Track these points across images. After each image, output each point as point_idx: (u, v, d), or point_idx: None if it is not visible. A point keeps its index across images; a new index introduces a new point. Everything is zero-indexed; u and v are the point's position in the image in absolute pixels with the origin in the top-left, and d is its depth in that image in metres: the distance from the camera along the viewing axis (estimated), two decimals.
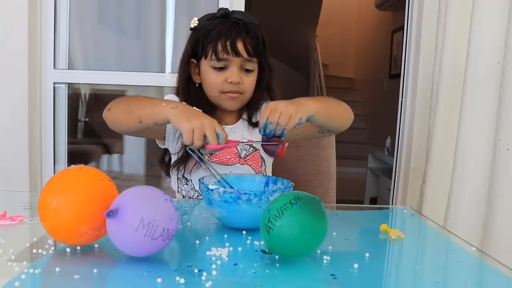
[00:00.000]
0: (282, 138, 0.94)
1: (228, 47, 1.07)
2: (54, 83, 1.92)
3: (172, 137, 1.16)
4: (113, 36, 2.19)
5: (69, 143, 2.00)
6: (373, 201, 3.92)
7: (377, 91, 5.16)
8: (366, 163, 4.20)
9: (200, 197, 1.14)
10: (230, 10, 1.12)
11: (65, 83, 1.97)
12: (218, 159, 1.13)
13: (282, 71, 5.14)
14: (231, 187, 0.93)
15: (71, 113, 2.07)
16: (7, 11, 1.75)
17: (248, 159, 1.15)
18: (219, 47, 1.08)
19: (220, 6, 1.86)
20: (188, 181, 1.17)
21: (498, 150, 1.49)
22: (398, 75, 2.16)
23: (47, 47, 1.88)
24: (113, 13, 2.15)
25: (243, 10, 1.88)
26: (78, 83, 2.14)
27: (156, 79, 2.00)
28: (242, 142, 0.91)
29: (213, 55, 1.09)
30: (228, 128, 1.17)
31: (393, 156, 2.13)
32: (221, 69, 1.10)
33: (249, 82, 1.12)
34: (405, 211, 1.06)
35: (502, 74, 1.49)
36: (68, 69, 1.99)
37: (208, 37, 1.09)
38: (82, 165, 0.72)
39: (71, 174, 0.69)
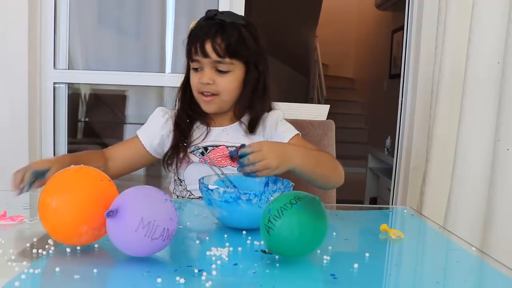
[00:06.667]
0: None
1: (198, 48, 1.08)
2: (54, 83, 1.92)
3: (156, 148, 1.18)
4: (113, 36, 2.19)
5: (69, 143, 2.00)
6: (373, 201, 3.92)
7: (377, 91, 5.16)
8: (366, 163, 4.21)
9: (192, 196, 1.15)
10: (220, 11, 1.11)
11: (65, 83, 1.97)
12: (209, 160, 1.13)
13: (282, 71, 5.13)
14: (234, 186, 0.92)
15: (71, 113, 2.07)
16: (7, 11, 1.75)
17: None
18: (193, 48, 1.09)
19: (221, 6, 1.87)
20: (182, 182, 1.18)
21: (498, 150, 1.49)
22: (398, 75, 2.16)
23: (47, 47, 1.88)
24: (113, 13, 2.15)
25: (243, 10, 1.88)
26: (78, 83, 2.14)
27: (156, 79, 2.01)
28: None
29: (189, 56, 1.11)
30: (220, 130, 1.17)
31: (393, 156, 2.13)
32: (197, 69, 1.11)
33: (224, 83, 1.10)
34: (405, 211, 1.06)
35: (502, 74, 1.49)
36: (68, 69, 1.99)
37: (189, 39, 1.11)
38: (82, 165, 0.71)
39: (71, 174, 0.69)
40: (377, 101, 5.18)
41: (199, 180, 0.87)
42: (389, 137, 3.84)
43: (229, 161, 1.13)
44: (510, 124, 1.45)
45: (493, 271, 0.71)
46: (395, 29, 4.47)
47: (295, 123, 1.38)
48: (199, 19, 1.14)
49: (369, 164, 4.16)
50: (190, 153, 1.15)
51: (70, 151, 2.00)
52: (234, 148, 0.90)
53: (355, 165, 4.66)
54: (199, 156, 1.13)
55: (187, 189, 1.17)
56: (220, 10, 1.13)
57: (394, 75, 4.31)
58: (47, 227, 0.68)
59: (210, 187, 0.81)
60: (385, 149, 3.87)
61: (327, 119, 1.51)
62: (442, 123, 1.70)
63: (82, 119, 2.39)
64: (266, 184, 0.94)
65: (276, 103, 1.24)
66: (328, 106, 1.63)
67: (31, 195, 1.14)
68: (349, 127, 5.44)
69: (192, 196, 1.16)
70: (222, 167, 1.13)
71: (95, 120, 2.44)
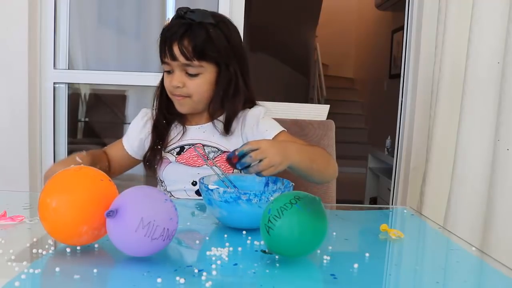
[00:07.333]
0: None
1: (166, 51, 1.06)
2: (54, 83, 1.92)
3: (137, 151, 1.19)
4: (113, 36, 2.19)
5: (69, 143, 2.00)
6: (373, 201, 3.92)
7: (377, 91, 5.16)
8: (366, 163, 4.21)
9: (172, 197, 1.14)
10: (190, 10, 1.07)
11: (65, 83, 1.97)
12: (185, 161, 1.13)
13: (282, 71, 5.13)
14: (234, 186, 0.92)
15: (71, 113, 2.07)
16: (7, 11, 1.75)
17: (216, 160, 1.12)
18: (162, 50, 1.08)
19: (220, 6, 1.87)
20: (162, 183, 1.18)
21: (498, 150, 1.49)
22: (398, 75, 2.16)
23: (47, 47, 1.88)
24: (113, 13, 2.15)
25: (243, 10, 1.88)
26: (78, 83, 2.14)
27: (156, 79, 1.99)
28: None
29: (160, 58, 1.10)
30: (196, 128, 1.16)
31: (393, 156, 2.13)
32: (169, 72, 1.10)
33: (194, 85, 1.08)
34: (405, 211, 1.06)
35: (502, 74, 1.49)
36: (68, 69, 1.99)
37: (160, 39, 1.09)
38: (82, 165, 0.71)
39: (71, 174, 0.69)
40: (377, 101, 5.18)
41: (199, 180, 0.87)
42: (389, 137, 3.84)
43: (204, 162, 1.11)
44: (510, 124, 1.45)
45: (493, 271, 0.71)
46: (395, 29, 4.47)
47: (295, 123, 1.38)
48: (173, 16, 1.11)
49: (369, 164, 4.16)
50: (167, 153, 1.14)
51: (70, 151, 2.00)
52: (230, 152, 0.88)
53: (355, 165, 4.67)
54: (176, 156, 1.14)
55: (167, 189, 1.16)
56: (192, 8, 1.08)
57: (394, 75, 4.31)
58: (47, 227, 0.68)
59: (210, 187, 0.81)
60: (385, 149, 3.87)
61: (327, 119, 1.51)
62: (442, 123, 1.70)
63: (82, 119, 2.39)
64: (266, 184, 0.94)
65: (276, 103, 1.23)
66: (328, 106, 1.63)
67: (31, 195, 1.15)
68: (349, 127, 5.45)
69: (171, 197, 1.14)
70: (198, 167, 1.13)
71: (95, 120, 2.44)
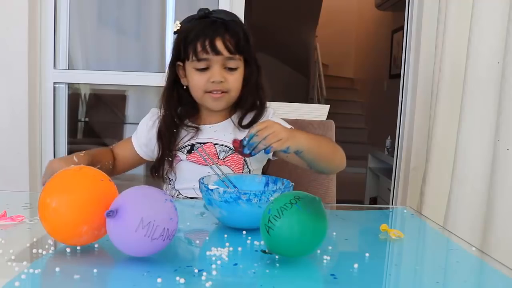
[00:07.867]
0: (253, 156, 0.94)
1: (207, 46, 1.06)
2: (54, 83, 1.92)
3: (146, 151, 1.20)
4: (113, 36, 2.19)
5: (69, 143, 2.00)
6: (373, 201, 3.92)
7: (377, 91, 5.16)
8: (366, 163, 4.21)
9: (180, 196, 1.15)
10: (211, 10, 1.11)
11: (65, 83, 1.97)
12: (195, 159, 1.13)
13: (282, 71, 5.14)
14: (234, 186, 0.92)
15: (71, 113, 2.07)
16: (7, 11, 1.76)
17: (227, 160, 1.13)
18: (198, 47, 1.07)
19: (221, 6, 1.87)
20: (170, 180, 1.18)
21: (498, 150, 1.49)
22: (398, 75, 2.16)
23: (47, 47, 1.88)
24: (113, 13, 2.15)
25: (243, 10, 1.88)
26: (78, 83, 2.14)
27: (156, 79, 1.99)
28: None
29: (193, 56, 1.08)
30: (207, 127, 1.17)
31: (393, 156, 2.13)
32: (203, 69, 1.09)
33: (233, 80, 1.11)
34: (405, 211, 1.06)
35: (502, 74, 1.49)
36: (68, 69, 1.99)
37: (187, 39, 1.09)
38: (82, 165, 0.72)
39: (71, 174, 0.69)
40: (377, 101, 5.18)
41: (199, 180, 0.87)
42: (389, 137, 3.84)
43: (216, 160, 1.12)
44: (510, 124, 1.45)
45: (493, 271, 0.71)
46: (395, 29, 4.47)
47: (295, 123, 1.38)
48: (184, 19, 1.13)
49: (369, 164, 4.16)
50: (178, 151, 1.15)
51: (70, 151, 2.00)
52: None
53: (355, 165, 4.65)
54: (187, 154, 1.14)
55: (176, 188, 1.16)
56: (192, 8, 1.13)
57: (394, 75, 4.30)
58: (47, 227, 0.68)
59: (210, 187, 0.81)
60: (385, 149, 3.87)
61: (327, 119, 1.51)
62: (442, 123, 1.70)
63: (82, 119, 2.39)
64: (266, 184, 0.94)
65: (276, 103, 1.24)
66: (328, 106, 1.64)
67: (31, 195, 1.15)
68: (349, 127, 5.44)
69: (180, 196, 1.15)
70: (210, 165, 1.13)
71: (95, 120, 2.44)
